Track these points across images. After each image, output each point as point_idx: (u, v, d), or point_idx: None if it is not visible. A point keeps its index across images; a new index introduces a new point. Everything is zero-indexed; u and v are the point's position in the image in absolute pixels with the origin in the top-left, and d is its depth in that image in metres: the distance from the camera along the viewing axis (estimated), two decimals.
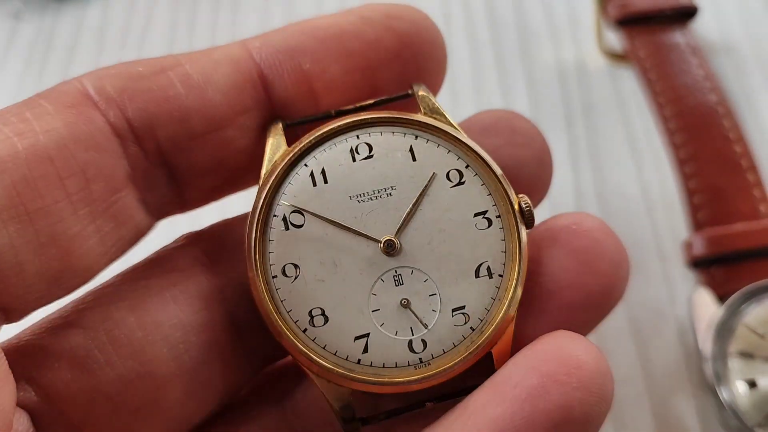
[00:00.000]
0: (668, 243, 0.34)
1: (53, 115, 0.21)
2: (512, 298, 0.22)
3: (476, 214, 0.23)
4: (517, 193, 0.23)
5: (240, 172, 0.24)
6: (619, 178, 0.36)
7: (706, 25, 0.40)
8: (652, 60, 0.36)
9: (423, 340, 0.22)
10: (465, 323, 0.22)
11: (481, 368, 0.21)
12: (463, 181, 0.23)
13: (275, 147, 0.23)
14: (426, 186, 0.23)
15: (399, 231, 0.22)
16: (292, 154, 0.23)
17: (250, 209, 0.22)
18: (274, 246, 0.22)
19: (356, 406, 0.21)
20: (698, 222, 0.32)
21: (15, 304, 0.20)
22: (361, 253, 0.22)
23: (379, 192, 0.23)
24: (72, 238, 0.20)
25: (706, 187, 0.33)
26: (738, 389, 0.28)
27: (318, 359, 0.21)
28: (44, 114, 0.21)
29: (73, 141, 0.21)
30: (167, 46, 0.41)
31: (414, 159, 0.23)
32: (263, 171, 0.23)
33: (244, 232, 0.22)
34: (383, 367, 0.21)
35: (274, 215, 0.22)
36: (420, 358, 0.21)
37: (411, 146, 0.23)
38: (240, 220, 0.24)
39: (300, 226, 0.22)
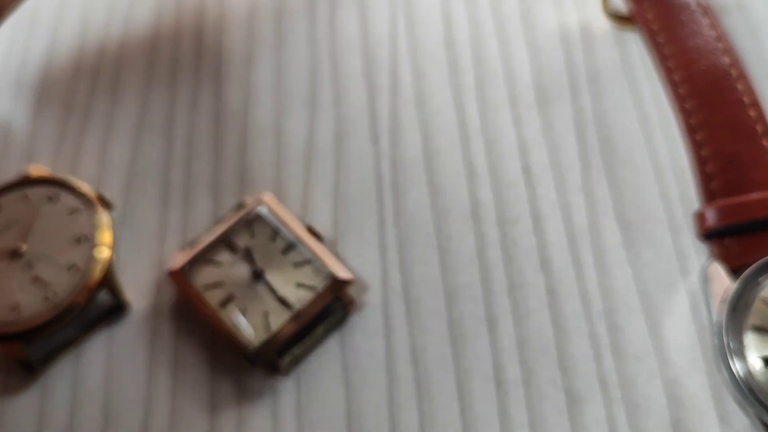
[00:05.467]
0: (679, 214, 0.32)
1: None
2: None
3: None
4: None
5: None
6: (627, 148, 0.34)
7: None
8: (661, 22, 0.35)
9: None
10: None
11: None
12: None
13: None
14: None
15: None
16: None
17: None
18: None
19: None
20: (711, 192, 0.31)
21: None
22: None
23: None
24: None
25: (719, 155, 0.31)
26: (754, 366, 0.27)
27: None
28: None
29: None
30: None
31: None
32: None
33: None
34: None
35: None
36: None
37: None
38: None
39: None
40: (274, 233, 0.32)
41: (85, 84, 0.39)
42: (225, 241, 0.32)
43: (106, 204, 0.34)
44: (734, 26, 0.37)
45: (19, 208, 0.34)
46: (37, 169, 0.35)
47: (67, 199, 0.34)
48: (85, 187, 0.35)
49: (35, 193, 0.35)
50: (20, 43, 0.41)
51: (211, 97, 0.38)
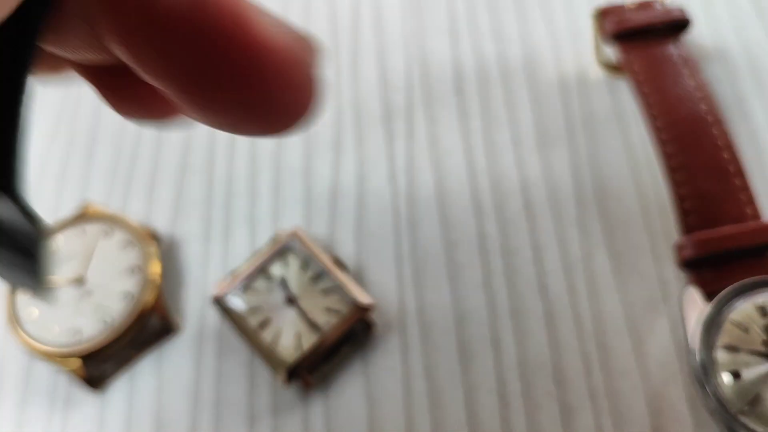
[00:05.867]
0: (662, 245, 0.36)
1: None
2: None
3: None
4: None
5: None
6: (617, 184, 0.38)
7: (699, 33, 0.42)
8: (646, 73, 0.39)
9: None
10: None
11: None
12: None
13: None
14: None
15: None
16: None
17: None
18: None
19: None
20: (689, 226, 0.35)
21: None
22: None
23: None
24: None
25: (695, 194, 0.35)
26: (723, 380, 0.31)
27: None
28: None
29: None
30: None
31: None
32: None
33: None
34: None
35: None
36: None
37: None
38: None
39: None
40: (305, 264, 0.37)
41: (132, 130, 0.44)
42: (262, 271, 0.37)
43: (155, 238, 0.39)
44: (714, 73, 0.41)
45: (79, 242, 0.39)
46: (93, 207, 0.40)
47: (121, 234, 0.39)
48: (136, 223, 0.39)
49: (92, 228, 0.39)
50: (74, 90, 0.46)
51: (246, 141, 0.42)
